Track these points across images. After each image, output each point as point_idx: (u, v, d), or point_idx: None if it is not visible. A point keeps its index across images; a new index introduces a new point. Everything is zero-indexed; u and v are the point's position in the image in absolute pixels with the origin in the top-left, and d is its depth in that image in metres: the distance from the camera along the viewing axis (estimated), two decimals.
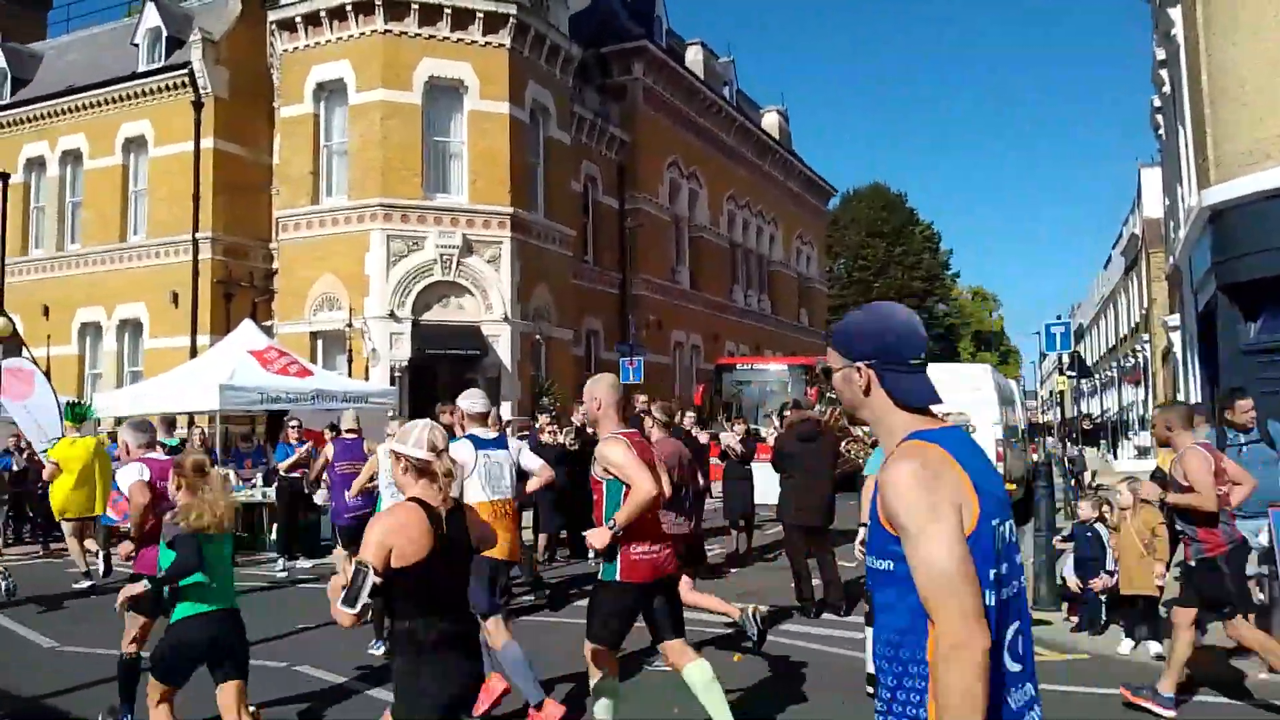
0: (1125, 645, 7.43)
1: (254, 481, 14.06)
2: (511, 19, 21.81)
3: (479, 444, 6.10)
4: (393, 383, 19.63)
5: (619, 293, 29.26)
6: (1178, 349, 22.86)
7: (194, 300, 22.64)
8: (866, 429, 12.03)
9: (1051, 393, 41.47)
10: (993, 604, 2.02)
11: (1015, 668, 2.11)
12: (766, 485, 13.40)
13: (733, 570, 11.73)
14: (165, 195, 23.58)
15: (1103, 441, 31.65)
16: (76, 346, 24.83)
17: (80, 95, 25.08)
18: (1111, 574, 7.82)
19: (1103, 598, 7.99)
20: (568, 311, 24.80)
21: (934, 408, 2.33)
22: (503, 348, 21.45)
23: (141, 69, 24.46)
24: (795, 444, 9.38)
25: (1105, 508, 8.25)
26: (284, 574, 11.88)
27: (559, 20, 24.51)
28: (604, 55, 29.40)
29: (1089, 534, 8.18)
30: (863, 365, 2.31)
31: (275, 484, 12.82)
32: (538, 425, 13.02)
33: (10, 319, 16.48)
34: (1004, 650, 2.07)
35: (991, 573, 2.04)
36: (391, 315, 20.67)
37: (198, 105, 22.86)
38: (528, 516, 11.79)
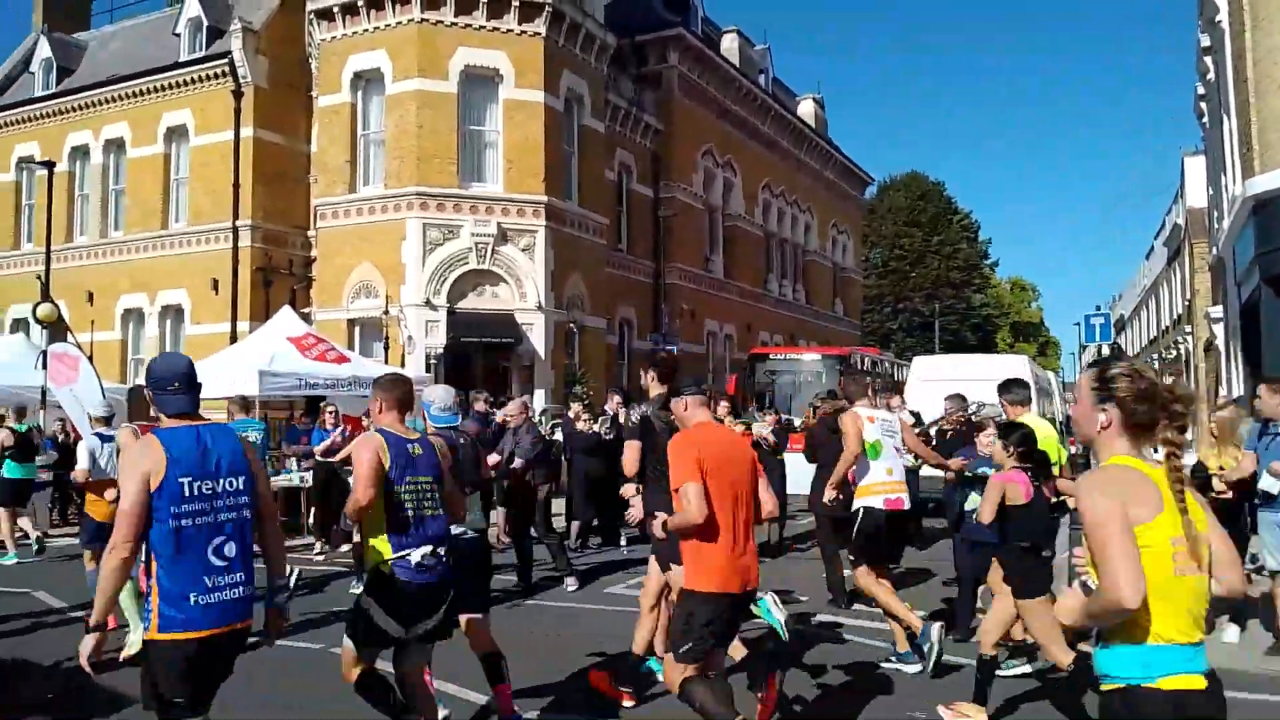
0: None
1: (289, 465, 14.26)
2: (547, 7, 21.84)
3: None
4: (428, 370, 19.82)
5: (653, 282, 29.26)
6: (1220, 341, 22.49)
7: (234, 287, 22.97)
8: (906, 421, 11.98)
9: None
10: None
11: None
12: (799, 475, 13.40)
13: (764, 560, 11.74)
14: (205, 183, 23.93)
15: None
16: (120, 332, 25.28)
17: (123, 85, 25.48)
18: None
19: None
20: (601, 300, 24.85)
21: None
22: (536, 336, 21.56)
23: (183, 59, 24.80)
24: (828, 434, 9.36)
25: None
26: (320, 557, 12.07)
27: (594, 8, 24.50)
28: (639, 43, 29.34)
29: None
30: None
31: (312, 468, 13.00)
32: (571, 413, 13.09)
33: (56, 305, 16.93)
34: None
35: None
36: (427, 303, 20.84)
37: (237, 94, 23.15)
38: (558, 503, 11.87)
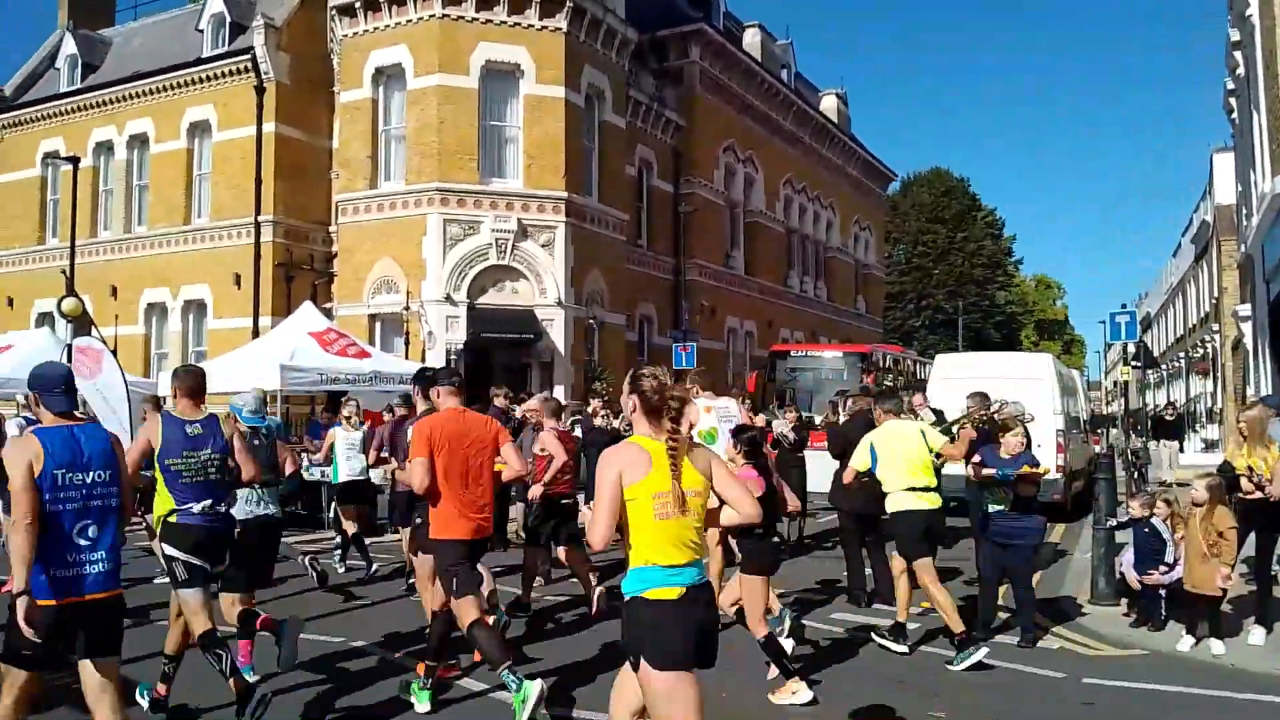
0: (1185, 642, 7.25)
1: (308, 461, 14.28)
2: (568, 3, 21.82)
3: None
4: (448, 365, 19.83)
5: (673, 278, 29.19)
6: (1248, 339, 22.19)
7: (256, 282, 23.08)
8: (928, 420, 11.88)
9: (1116, 383, 40.59)
10: None
11: None
12: (819, 473, 13.32)
13: (784, 557, 11.66)
14: (228, 179, 24.06)
15: (1192, 432, 30.16)
16: (143, 326, 25.46)
17: (146, 80, 25.66)
18: (1171, 566, 7.63)
19: (1162, 592, 7.80)
20: (621, 296, 24.81)
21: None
22: (556, 332, 21.55)
23: (205, 55, 24.94)
24: (863, 432, 9.25)
25: (1161, 506, 8.04)
26: (339, 550, 12.06)
27: (615, 4, 24.44)
28: (660, 38, 29.26)
29: (1145, 529, 7.98)
30: None
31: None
32: (590, 409, 13.05)
33: (80, 299, 17.05)
34: None
35: None
36: (448, 299, 20.88)
37: (260, 90, 23.24)
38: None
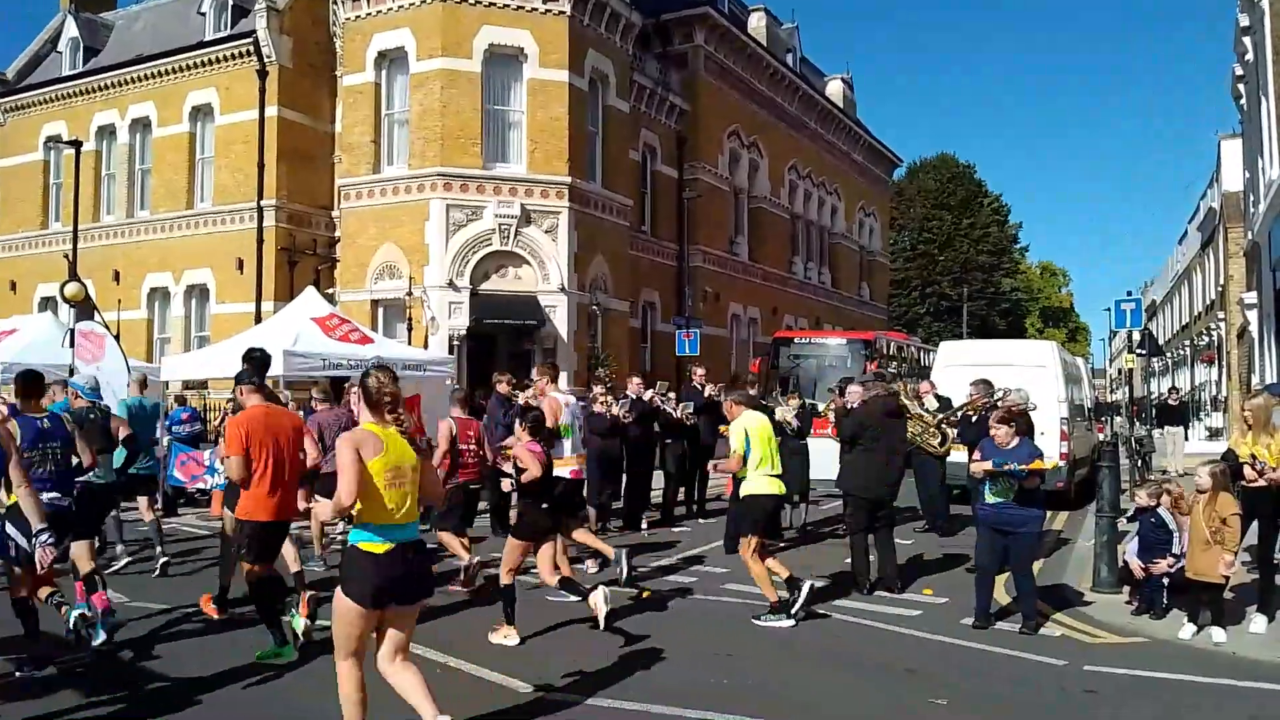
0: (1187, 630, 7.23)
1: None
2: None
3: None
4: (451, 351, 19.83)
5: (676, 264, 29.12)
6: (1254, 327, 22.11)
7: (259, 267, 23.05)
8: (931, 408, 11.87)
9: (1120, 371, 40.51)
10: None
11: None
12: (822, 459, 13.30)
13: (785, 544, 11.66)
14: (230, 163, 24.01)
15: (1196, 420, 29.98)
16: (146, 311, 25.46)
17: (149, 64, 25.58)
18: (1178, 557, 7.61)
19: (1165, 581, 7.78)
20: (624, 282, 24.76)
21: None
22: (559, 318, 21.51)
23: (207, 38, 24.86)
24: (880, 418, 9.22)
25: (1165, 496, 8.01)
26: (344, 536, 12.07)
27: None
28: (665, 22, 29.09)
29: (1151, 519, 7.96)
30: None
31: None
32: (591, 395, 13.03)
33: (83, 283, 17.03)
34: None
35: None
36: (450, 284, 20.84)
37: (262, 74, 23.15)
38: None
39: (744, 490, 8.00)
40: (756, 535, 7.81)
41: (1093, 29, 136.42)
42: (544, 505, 7.17)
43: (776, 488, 7.99)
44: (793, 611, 7.48)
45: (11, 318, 22.46)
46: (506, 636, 6.89)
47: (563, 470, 8.68)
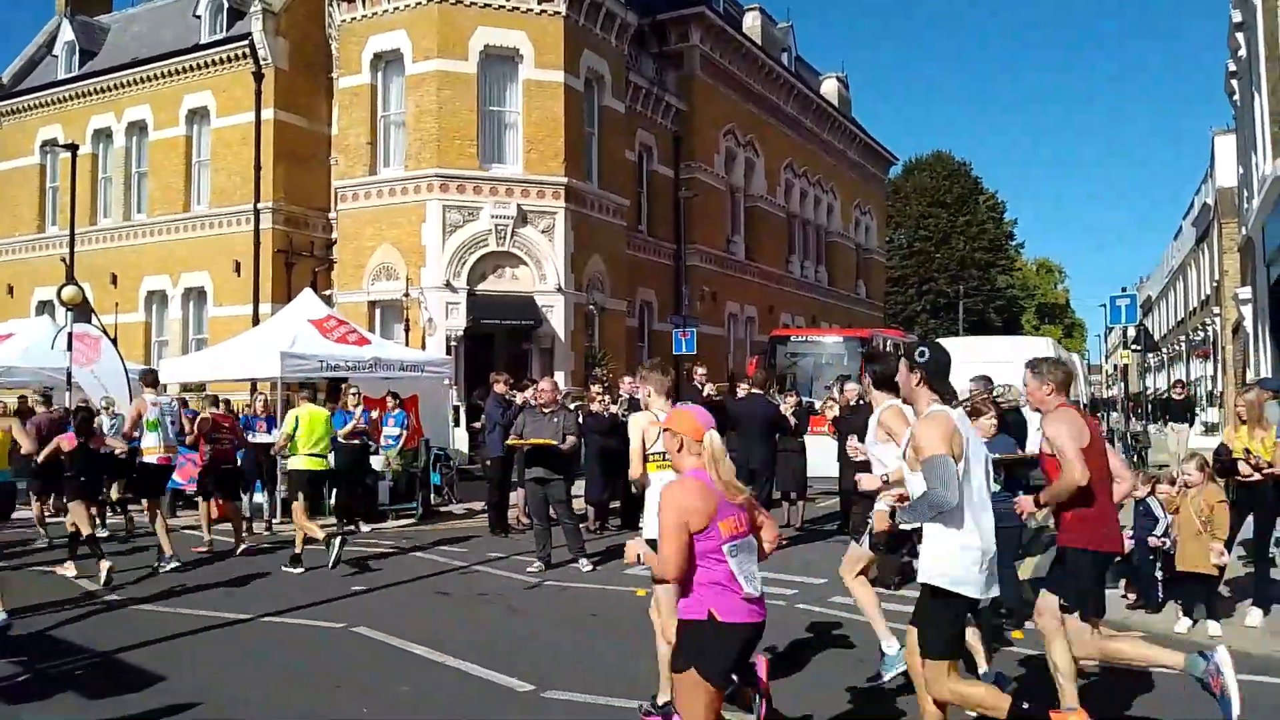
0: (1182, 624, 7.28)
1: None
2: None
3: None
4: (449, 352, 19.86)
5: (673, 263, 29.16)
6: (1248, 323, 22.18)
7: (256, 269, 23.06)
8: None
9: (1116, 367, 40.55)
10: None
11: None
12: (818, 458, 13.34)
13: (783, 542, 11.70)
14: (227, 165, 24.01)
15: (1199, 414, 29.73)
16: (144, 314, 25.46)
17: (145, 67, 25.57)
18: (1160, 538, 7.64)
19: (1158, 575, 7.82)
20: (621, 282, 24.80)
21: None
22: (556, 318, 21.55)
23: (203, 40, 24.85)
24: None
25: (1165, 486, 8.05)
26: (338, 538, 12.10)
27: None
28: (660, 22, 29.14)
29: (1141, 509, 8.00)
30: None
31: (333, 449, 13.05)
32: (588, 395, 13.08)
33: (80, 287, 17.01)
34: None
35: None
36: (447, 285, 20.87)
37: (258, 76, 23.16)
38: (575, 485, 11.84)
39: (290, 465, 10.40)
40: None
41: (1086, 26, 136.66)
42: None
43: (318, 464, 10.33)
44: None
45: (9, 321, 22.43)
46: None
47: (150, 458, 10.47)
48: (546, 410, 10.10)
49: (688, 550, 3.46)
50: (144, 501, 10.59)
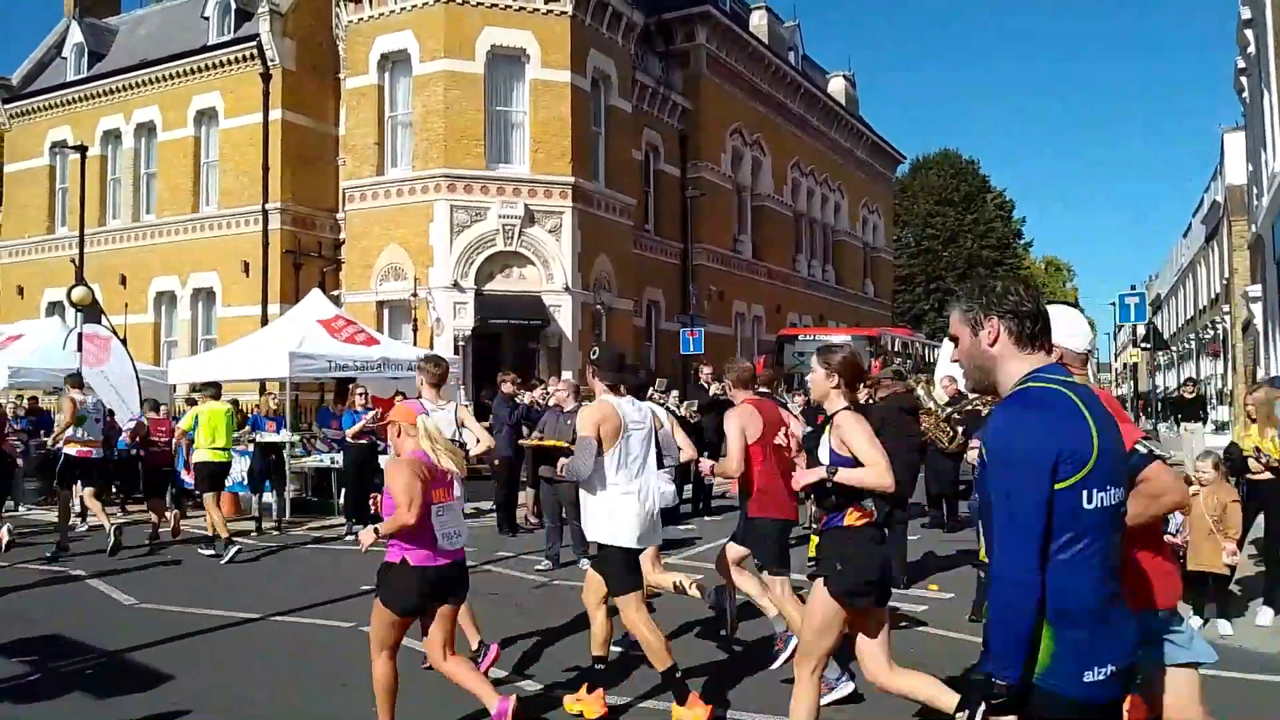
0: (1193, 624, 7.24)
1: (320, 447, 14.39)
2: None
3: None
4: (456, 352, 19.86)
5: (680, 263, 29.15)
6: (1259, 321, 22.08)
7: (264, 270, 23.13)
8: (941, 400, 11.87)
9: (1126, 365, 40.40)
10: None
11: None
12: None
13: (794, 541, 11.67)
14: (235, 166, 24.09)
15: (1210, 413, 29.45)
16: (153, 315, 25.55)
17: (153, 69, 25.66)
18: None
19: None
20: (628, 281, 24.79)
21: None
22: (564, 318, 21.55)
23: (211, 42, 24.92)
24: (898, 415, 9.23)
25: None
26: (351, 538, 12.14)
27: None
28: (666, 21, 29.12)
29: None
30: None
31: (342, 449, 13.09)
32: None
33: (90, 288, 17.09)
34: None
35: None
36: (455, 285, 20.89)
37: (266, 77, 23.22)
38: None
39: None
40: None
41: (1094, 23, 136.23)
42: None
43: (221, 457, 11.18)
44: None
45: (18, 322, 22.52)
46: None
47: (70, 450, 11.09)
48: (567, 410, 10.15)
49: (422, 509, 4.48)
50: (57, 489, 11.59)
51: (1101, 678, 2.29)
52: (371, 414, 12.76)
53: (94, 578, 9.39)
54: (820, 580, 4.33)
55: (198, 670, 6.26)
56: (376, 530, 4.55)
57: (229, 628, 7.40)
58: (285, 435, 13.55)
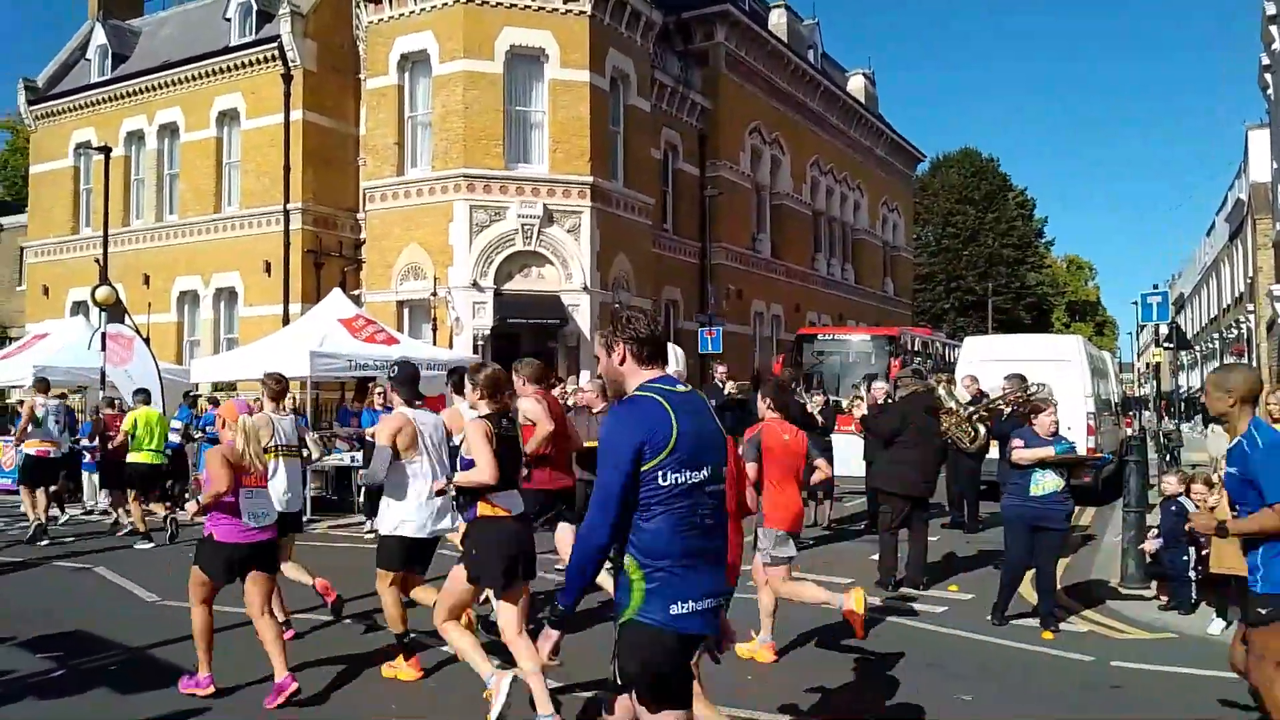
0: (1216, 625, 7.19)
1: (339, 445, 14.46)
2: None
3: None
4: (476, 351, 19.93)
5: (698, 262, 29.13)
6: None
7: (285, 269, 23.27)
8: (964, 399, 11.82)
9: (1148, 365, 40.02)
10: None
11: None
12: (847, 456, 13.29)
13: (811, 541, 11.66)
14: (257, 166, 24.25)
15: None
16: (175, 314, 25.76)
17: (176, 70, 25.87)
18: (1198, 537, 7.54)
19: (1192, 575, 7.73)
20: (647, 281, 24.79)
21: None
22: (582, 317, 21.58)
23: (233, 43, 25.09)
24: (921, 415, 9.20)
25: (1200, 487, 7.95)
26: (370, 535, 12.20)
27: None
28: (685, 20, 29.10)
29: (1173, 508, 7.90)
30: None
31: (360, 448, 13.16)
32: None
33: (113, 288, 17.27)
34: None
35: None
36: (474, 285, 20.95)
37: (287, 78, 23.36)
38: None
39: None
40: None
41: (1117, 19, 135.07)
42: None
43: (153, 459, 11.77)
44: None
45: (44, 321, 22.82)
46: None
47: (31, 450, 11.80)
48: (595, 411, 10.17)
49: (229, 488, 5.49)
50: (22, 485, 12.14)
51: (685, 611, 2.97)
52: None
53: (115, 574, 9.48)
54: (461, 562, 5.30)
55: (217, 666, 6.30)
56: (198, 502, 5.55)
57: (248, 624, 7.43)
58: (311, 445, 13.70)
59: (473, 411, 5.85)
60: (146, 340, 16.02)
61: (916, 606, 8.14)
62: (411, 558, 6.11)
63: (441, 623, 5.35)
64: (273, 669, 5.54)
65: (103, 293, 16.52)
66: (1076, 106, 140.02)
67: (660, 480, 2.98)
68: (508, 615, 5.25)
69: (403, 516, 5.97)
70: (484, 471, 5.09)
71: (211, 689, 5.65)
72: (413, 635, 6.16)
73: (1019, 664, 6.52)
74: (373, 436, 12.52)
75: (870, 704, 5.74)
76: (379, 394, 13.28)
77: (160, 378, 14.92)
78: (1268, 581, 4.22)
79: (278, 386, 7.48)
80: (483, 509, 5.24)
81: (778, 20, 34.72)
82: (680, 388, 3.21)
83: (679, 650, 3.01)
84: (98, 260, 19.68)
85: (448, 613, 5.38)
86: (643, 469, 2.98)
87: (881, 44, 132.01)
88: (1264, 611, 4.23)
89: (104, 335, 15.17)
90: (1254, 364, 32.33)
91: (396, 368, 6.47)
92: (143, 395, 12.37)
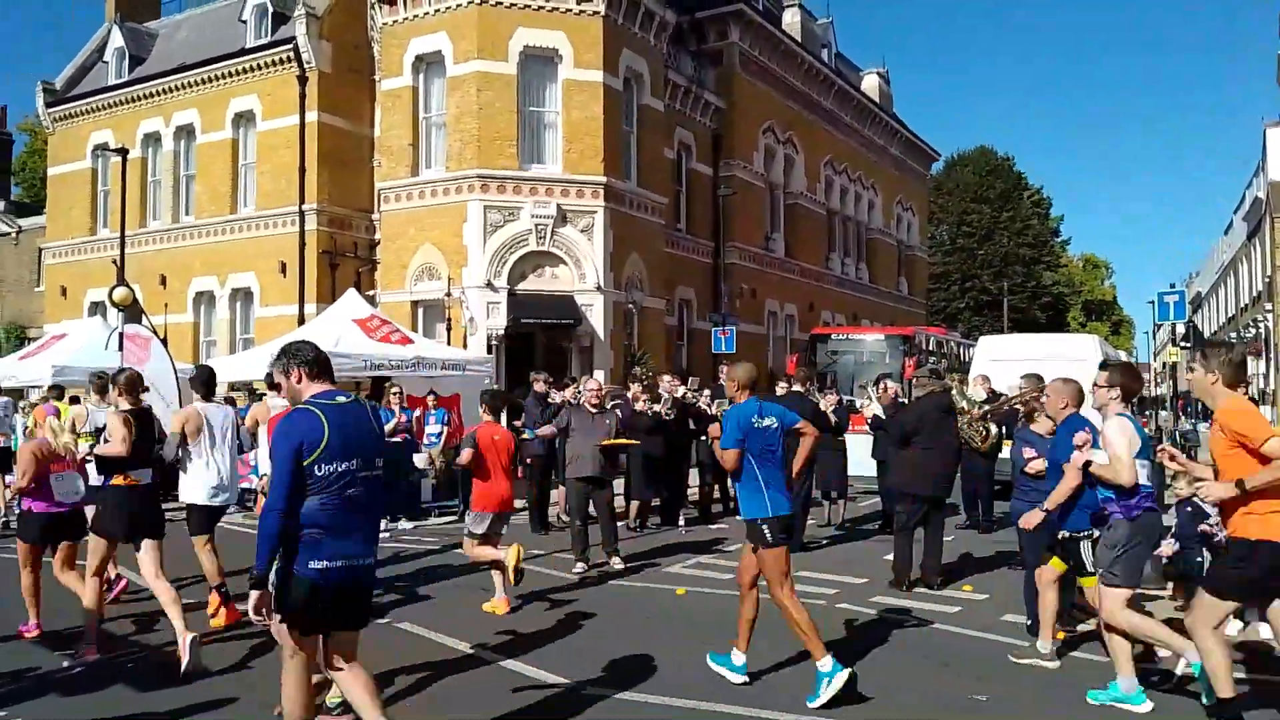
0: (1233, 627, 7.14)
1: None
2: None
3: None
4: (490, 351, 19.98)
5: (712, 261, 29.11)
6: None
7: (301, 270, 23.40)
8: (973, 400, 11.78)
9: (1165, 365, 39.80)
10: None
11: None
12: (861, 456, 13.26)
13: (824, 541, 11.65)
14: (272, 168, 24.39)
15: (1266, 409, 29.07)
16: (192, 315, 25.92)
17: (192, 72, 26.03)
18: (1214, 527, 7.48)
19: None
20: (660, 280, 24.80)
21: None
22: (596, 317, 21.61)
23: (249, 45, 25.23)
24: (938, 415, 9.18)
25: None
26: (386, 534, 12.26)
27: None
28: (699, 20, 29.09)
29: (1188, 508, 7.85)
30: None
31: None
32: (630, 394, 13.12)
33: (131, 288, 17.40)
34: None
35: None
36: (488, 285, 21.00)
37: (302, 79, 23.49)
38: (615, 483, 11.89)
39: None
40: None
41: (1133, 16, 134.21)
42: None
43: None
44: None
45: (62, 322, 23.02)
46: None
47: None
48: (594, 409, 10.20)
49: (36, 476, 6.90)
50: None
51: (321, 566, 4.08)
52: (403, 412, 12.95)
53: (131, 571, 9.54)
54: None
55: (233, 666, 6.36)
56: (9, 487, 7.16)
57: (264, 634, 7.47)
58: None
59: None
60: (163, 340, 16.11)
61: (931, 607, 8.13)
62: (209, 521, 7.72)
63: (154, 579, 6.75)
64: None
65: (120, 293, 16.64)
66: (1092, 105, 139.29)
67: (318, 470, 4.09)
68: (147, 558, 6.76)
69: (201, 488, 7.59)
70: (117, 448, 6.67)
71: (38, 632, 7.03)
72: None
73: (1033, 665, 6.50)
74: (390, 435, 12.71)
75: (883, 704, 5.73)
76: (394, 393, 13.34)
77: (177, 378, 15.02)
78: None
79: (100, 382, 9.21)
80: (116, 479, 6.73)
81: (791, 20, 34.67)
82: (340, 399, 4.28)
83: (310, 594, 4.07)
84: (115, 261, 19.83)
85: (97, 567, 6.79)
86: (305, 463, 4.07)
87: (896, 43, 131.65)
88: None
89: (121, 335, 15.26)
90: (1271, 364, 32.07)
91: (195, 370, 8.04)
92: (55, 391, 13.26)
